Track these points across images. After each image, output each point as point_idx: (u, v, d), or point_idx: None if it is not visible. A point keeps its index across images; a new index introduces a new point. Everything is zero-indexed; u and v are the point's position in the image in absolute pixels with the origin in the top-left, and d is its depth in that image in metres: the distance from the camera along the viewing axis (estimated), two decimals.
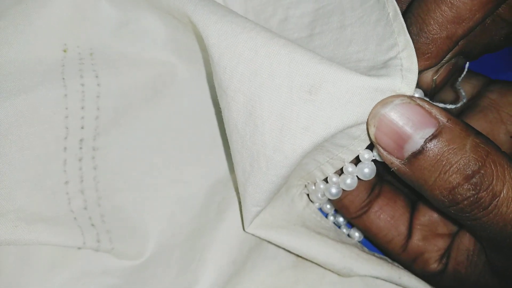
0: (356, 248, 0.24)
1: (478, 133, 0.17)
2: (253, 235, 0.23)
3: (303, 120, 0.19)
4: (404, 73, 0.18)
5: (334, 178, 0.22)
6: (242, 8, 0.25)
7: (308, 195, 0.25)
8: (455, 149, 0.17)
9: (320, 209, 0.26)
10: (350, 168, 0.21)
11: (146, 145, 0.24)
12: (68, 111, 0.22)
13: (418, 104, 0.17)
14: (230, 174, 0.25)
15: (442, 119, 0.17)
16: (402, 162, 0.18)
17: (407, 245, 0.23)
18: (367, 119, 0.18)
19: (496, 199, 0.17)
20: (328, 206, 0.25)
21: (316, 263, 0.24)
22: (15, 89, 0.22)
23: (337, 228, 0.25)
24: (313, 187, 0.23)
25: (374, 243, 0.24)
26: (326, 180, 0.22)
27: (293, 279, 0.25)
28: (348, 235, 0.26)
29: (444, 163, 0.17)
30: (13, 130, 0.22)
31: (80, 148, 0.23)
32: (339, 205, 0.23)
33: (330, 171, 0.22)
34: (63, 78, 0.23)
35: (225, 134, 0.22)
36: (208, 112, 0.25)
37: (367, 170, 0.21)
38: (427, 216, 0.23)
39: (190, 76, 0.25)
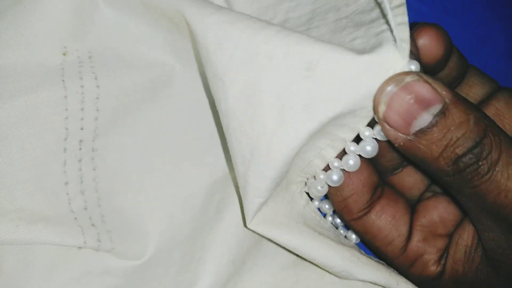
0: (356, 251, 0.23)
1: (477, 108, 0.18)
2: (254, 231, 0.23)
3: (303, 98, 0.19)
4: (398, 42, 0.18)
5: (336, 163, 0.21)
6: (244, 11, 0.25)
7: (308, 193, 0.25)
8: (460, 123, 0.18)
9: (319, 209, 0.26)
10: (352, 147, 0.21)
11: (145, 146, 0.24)
12: (68, 113, 0.23)
13: (427, 81, 0.18)
14: (229, 173, 0.25)
15: (448, 95, 0.18)
16: (408, 137, 0.18)
17: (406, 247, 0.23)
18: (376, 97, 0.18)
19: (493, 167, 0.18)
20: (327, 206, 0.25)
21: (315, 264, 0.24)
22: (16, 90, 0.22)
23: (335, 229, 0.25)
24: (313, 180, 0.23)
25: (372, 247, 0.24)
26: (326, 170, 0.22)
27: (293, 278, 0.25)
28: (345, 237, 0.26)
29: (450, 136, 0.18)
30: (14, 131, 0.22)
31: (80, 149, 0.23)
32: (341, 206, 0.23)
33: (331, 155, 0.21)
34: (63, 80, 0.23)
35: (223, 133, 0.22)
36: (206, 113, 0.26)
37: (369, 148, 0.21)
38: (427, 217, 0.23)
39: (188, 77, 0.25)
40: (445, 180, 0.19)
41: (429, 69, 0.22)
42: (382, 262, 0.24)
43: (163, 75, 0.25)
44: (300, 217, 0.24)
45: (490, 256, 0.20)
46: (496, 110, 0.23)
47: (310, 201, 0.25)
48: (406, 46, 0.18)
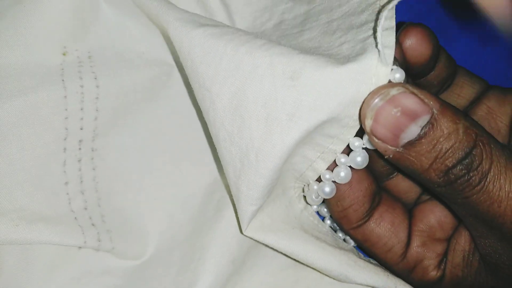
0: (353, 254, 0.23)
1: (466, 116, 0.18)
2: (251, 238, 0.23)
3: (288, 107, 0.19)
4: (381, 49, 0.18)
5: (327, 175, 0.21)
6: (240, 13, 0.25)
7: (305, 197, 0.25)
8: (449, 134, 0.18)
9: (317, 212, 0.25)
10: (342, 158, 0.21)
11: (145, 146, 0.24)
12: (67, 112, 0.23)
13: (413, 92, 0.18)
14: (220, 176, 0.25)
15: (435, 105, 0.18)
16: (397, 149, 0.18)
17: (406, 253, 0.23)
18: (362, 111, 0.18)
19: (484, 178, 0.18)
20: (325, 209, 0.25)
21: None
22: (16, 90, 0.22)
23: (333, 232, 0.25)
24: (307, 189, 0.23)
25: (371, 254, 0.24)
26: (319, 180, 0.22)
27: (292, 278, 0.25)
28: (344, 240, 0.25)
29: (440, 148, 0.18)
30: (14, 131, 0.22)
31: (80, 149, 0.23)
32: (341, 215, 0.23)
33: (322, 167, 0.21)
34: (63, 80, 0.23)
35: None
36: None
37: (360, 159, 0.20)
38: (425, 222, 0.23)
39: (186, 77, 0.25)
40: (437, 190, 0.19)
41: (418, 71, 0.22)
42: (380, 265, 0.24)
43: (162, 75, 0.25)
44: (297, 222, 0.24)
45: (487, 261, 0.20)
46: (488, 108, 0.23)
47: (308, 205, 0.25)
48: (389, 52, 0.18)
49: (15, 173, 0.22)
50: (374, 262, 0.24)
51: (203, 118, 0.22)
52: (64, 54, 0.23)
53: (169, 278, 0.24)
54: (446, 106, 0.18)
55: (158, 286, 0.23)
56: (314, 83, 0.18)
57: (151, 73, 0.25)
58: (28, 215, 0.22)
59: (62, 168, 0.22)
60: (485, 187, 0.18)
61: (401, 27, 0.21)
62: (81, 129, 0.23)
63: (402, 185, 0.24)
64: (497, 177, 0.18)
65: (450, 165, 0.18)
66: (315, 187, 0.22)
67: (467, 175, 0.18)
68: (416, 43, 0.21)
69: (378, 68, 0.18)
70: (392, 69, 0.18)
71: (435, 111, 0.18)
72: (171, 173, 0.24)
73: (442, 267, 0.22)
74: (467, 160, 0.18)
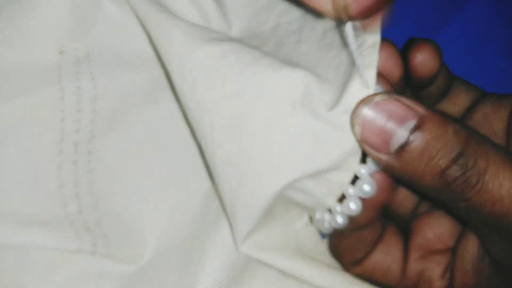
0: (349, 275, 0.23)
1: (455, 120, 0.18)
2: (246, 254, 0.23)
3: (289, 135, 0.19)
4: (361, 71, 0.19)
5: (338, 207, 0.21)
6: (237, 13, 0.25)
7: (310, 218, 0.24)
8: (438, 135, 0.18)
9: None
10: (351, 190, 0.20)
11: (142, 148, 0.24)
12: (64, 114, 0.23)
13: (397, 99, 0.18)
14: (211, 184, 0.25)
15: (421, 110, 0.18)
16: (390, 157, 0.18)
17: (405, 268, 0.22)
18: (351, 121, 0.19)
19: (482, 177, 0.18)
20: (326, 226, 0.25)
21: None
22: (12, 91, 0.22)
23: (330, 254, 0.25)
24: (318, 217, 0.22)
25: (371, 281, 0.23)
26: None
27: (294, 285, 0.24)
28: None
29: (430, 150, 0.18)
30: (10, 133, 0.22)
31: (76, 151, 0.23)
32: (344, 251, 0.23)
33: (332, 203, 0.21)
34: (60, 81, 0.23)
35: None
36: None
37: (367, 186, 0.20)
38: (421, 236, 0.23)
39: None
40: (438, 197, 0.19)
41: (421, 83, 0.23)
42: (376, 286, 0.24)
43: (162, 75, 0.25)
44: (295, 240, 0.24)
45: (499, 266, 0.20)
46: (484, 114, 0.23)
47: (309, 223, 0.24)
48: (371, 73, 0.19)
49: (10, 176, 0.22)
50: (370, 283, 0.24)
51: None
52: (61, 53, 0.23)
53: (167, 282, 0.23)
54: (433, 111, 0.18)
55: None
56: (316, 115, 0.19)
57: (151, 74, 0.24)
58: (23, 219, 0.21)
59: (57, 171, 0.22)
60: (484, 186, 0.18)
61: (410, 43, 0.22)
62: (78, 131, 0.23)
63: (396, 196, 0.24)
64: (496, 174, 0.18)
65: (444, 166, 0.18)
66: (327, 217, 0.22)
67: (463, 175, 0.18)
68: (426, 59, 0.22)
69: (362, 94, 0.19)
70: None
71: (422, 115, 0.18)
72: (169, 176, 0.24)
73: (447, 276, 0.22)
74: (461, 160, 0.17)
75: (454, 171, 0.18)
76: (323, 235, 0.25)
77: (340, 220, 0.21)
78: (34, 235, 0.21)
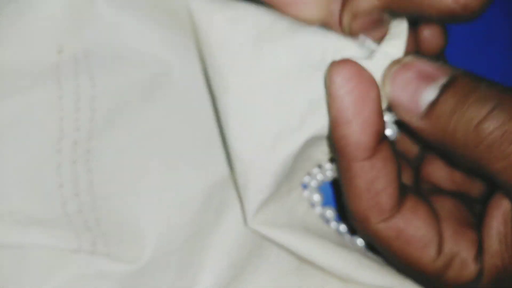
0: (358, 253, 0.23)
1: (489, 80, 0.18)
2: (254, 231, 0.23)
3: (309, 96, 0.19)
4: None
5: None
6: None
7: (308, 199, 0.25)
8: (470, 90, 0.17)
9: (321, 216, 0.25)
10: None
11: (141, 147, 0.24)
12: (63, 113, 0.23)
13: (427, 60, 0.18)
14: (230, 174, 0.25)
15: (452, 69, 0.18)
16: (420, 116, 0.18)
17: (442, 246, 0.20)
18: (382, 82, 0.18)
19: None
20: (329, 211, 0.25)
21: (318, 268, 0.23)
22: (10, 90, 0.22)
23: (338, 233, 0.25)
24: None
25: (398, 256, 0.20)
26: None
27: (295, 284, 0.24)
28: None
29: (462, 105, 0.17)
30: (8, 132, 0.22)
31: (74, 150, 0.23)
32: (371, 204, 0.19)
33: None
34: (59, 80, 0.23)
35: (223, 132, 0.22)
36: (205, 113, 0.25)
37: (389, 131, 0.20)
38: (447, 204, 0.21)
39: (186, 75, 0.25)
40: (471, 160, 0.17)
41: None
42: (387, 265, 0.23)
43: (161, 73, 0.24)
44: (302, 222, 0.23)
45: None
46: None
47: (311, 208, 0.24)
48: (402, 39, 0.19)
49: (9, 175, 0.22)
50: (381, 261, 0.23)
51: (205, 120, 0.22)
52: (59, 53, 0.23)
53: (167, 282, 0.23)
54: (464, 71, 0.18)
55: None
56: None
57: (149, 71, 0.24)
58: (22, 218, 0.21)
59: (56, 170, 0.22)
60: None
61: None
62: (77, 130, 0.23)
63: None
64: None
65: (478, 120, 0.17)
66: (327, 165, 0.22)
67: (500, 128, 0.16)
68: (433, 34, 0.22)
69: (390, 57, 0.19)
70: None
71: (454, 74, 0.17)
72: (169, 175, 0.24)
73: (479, 259, 0.20)
74: (496, 112, 0.16)
75: (490, 124, 0.16)
76: (327, 221, 0.25)
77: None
78: (33, 234, 0.21)
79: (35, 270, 0.22)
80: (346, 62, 0.18)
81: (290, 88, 0.19)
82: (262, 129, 0.20)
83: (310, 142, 0.21)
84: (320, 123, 0.20)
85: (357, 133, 0.18)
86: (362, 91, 0.18)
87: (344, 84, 0.18)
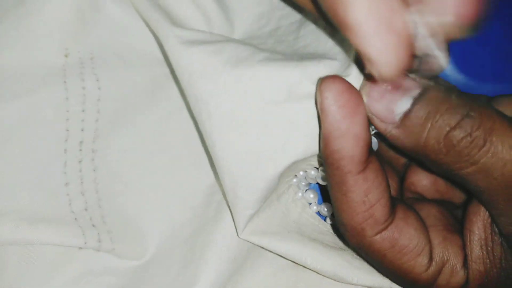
0: (349, 255, 0.23)
1: (458, 89, 0.18)
2: (247, 241, 0.23)
3: (286, 119, 0.20)
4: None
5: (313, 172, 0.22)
6: (239, 18, 0.25)
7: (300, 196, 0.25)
8: (442, 100, 0.18)
9: (318, 213, 0.26)
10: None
11: (145, 147, 0.24)
12: (69, 114, 0.23)
13: (403, 73, 0.18)
14: (215, 180, 0.25)
15: (425, 82, 0.18)
16: (395, 125, 0.18)
17: (432, 253, 0.20)
18: (360, 91, 0.19)
19: (490, 137, 0.17)
20: (326, 209, 0.25)
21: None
22: (18, 92, 0.22)
23: (333, 233, 0.25)
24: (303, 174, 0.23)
25: (392, 265, 0.20)
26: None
27: (293, 278, 0.25)
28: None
29: (434, 114, 0.18)
30: (16, 132, 0.22)
31: (80, 150, 0.23)
32: (366, 216, 0.19)
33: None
34: (65, 82, 0.23)
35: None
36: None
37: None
38: (432, 212, 0.22)
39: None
40: (443, 165, 0.18)
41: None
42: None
43: (164, 76, 0.25)
44: (295, 225, 0.24)
45: (510, 243, 0.19)
46: None
47: (306, 207, 0.25)
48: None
49: (17, 174, 0.22)
50: None
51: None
52: (66, 56, 0.23)
53: (169, 278, 0.24)
54: (436, 83, 0.18)
55: (159, 285, 0.23)
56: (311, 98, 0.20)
57: (152, 73, 0.25)
58: (29, 216, 0.22)
59: (62, 169, 0.23)
60: (492, 147, 0.17)
61: None
62: (82, 130, 0.23)
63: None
64: (503, 135, 0.17)
65: (448, 128, 0.17)
66: (313, 172, 0.23)
67: (469, 136, 0.17)
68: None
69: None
70: None
71: (427, 86, 0.18)
72: (171, 174, 0.25)
73: (466, 265, 0.20)
74: (466, 121, 0.17)
75: (460, 132, 0.17)
76: (324, 218, 0.26)
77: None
78: (39, 232, 0.22)
79: (42, 267, 0.22)
80: (335, 78, 0.18)
81: (271, 110, 0.20)
82: (246, 149, 0.20)
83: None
84: (302, 143, 0.20)
85: (351, 146, 0.18)
86: (353, 105, 0.18)
87: (336, 99, 0.18)
